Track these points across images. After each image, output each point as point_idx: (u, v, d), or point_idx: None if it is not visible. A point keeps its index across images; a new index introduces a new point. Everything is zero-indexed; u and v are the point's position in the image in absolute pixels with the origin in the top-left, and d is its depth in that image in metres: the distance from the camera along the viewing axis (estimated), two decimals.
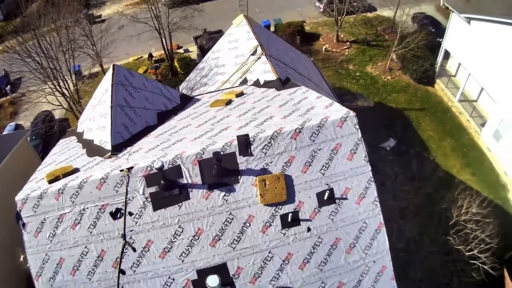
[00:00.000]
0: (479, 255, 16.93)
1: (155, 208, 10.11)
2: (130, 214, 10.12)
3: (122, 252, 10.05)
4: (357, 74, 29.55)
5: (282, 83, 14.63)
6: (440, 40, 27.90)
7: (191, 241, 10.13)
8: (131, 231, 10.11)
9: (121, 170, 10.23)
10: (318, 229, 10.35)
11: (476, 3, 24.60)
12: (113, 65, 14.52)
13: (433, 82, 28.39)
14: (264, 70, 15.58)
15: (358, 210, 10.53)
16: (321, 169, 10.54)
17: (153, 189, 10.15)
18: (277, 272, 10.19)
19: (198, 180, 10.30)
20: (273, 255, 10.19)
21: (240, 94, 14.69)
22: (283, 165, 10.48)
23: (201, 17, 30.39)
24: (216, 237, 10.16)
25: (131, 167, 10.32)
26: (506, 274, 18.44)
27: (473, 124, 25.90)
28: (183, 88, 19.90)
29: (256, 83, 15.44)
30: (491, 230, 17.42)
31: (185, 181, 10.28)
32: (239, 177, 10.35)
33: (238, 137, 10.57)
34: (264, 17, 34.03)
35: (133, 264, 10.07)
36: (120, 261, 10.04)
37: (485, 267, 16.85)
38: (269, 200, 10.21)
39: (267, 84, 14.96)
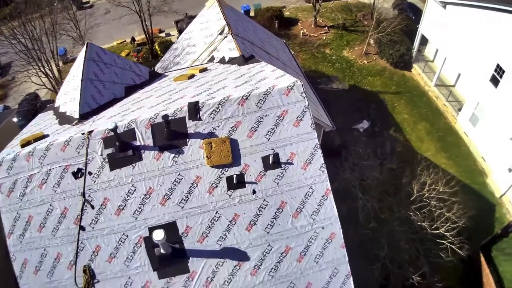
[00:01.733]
0: (445, 233, 17.05)
1: (111, 168, 10.77)
2: (90, 173, 10.78)
3: (82, 209, 10.68)
4: (333, 58, 29.78)
5: (245, 60, 15.05)
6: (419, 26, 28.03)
7: (143, 199, 10.67)
8: (90, 189, 10.74)
9: (83, 133, 10.92)
10: (264, 192, 10.76)
11: None
12: (87, 43, 15.01)
13: (410, 67, 28.63)
14: (230, 48, 16.01)
15: (304, 176, 10.91)
16: (267, 134, 10.97)
17: (110, 151, 10.84)
18: (224, 233, 10.65)
19: (150, 142, 10.93)
20: (220, 216, 10.66)
21: (204, 70, 15.11)
22: (230, 129, 10.96)
23: (180, 2, 30.51)
24: (165, 196, 10.69)
25: (91, 131, 10.98)
26: (482, 259, 18.54)
27: (450, 108, 26.08)
28: (159, 67, 20.30)
29: (222, 60, 15.89)
30: (458, 210, 17.51)
31: (138, 143, 10.92)
32: (187, 140, 10.90)
33: (189, 103, 11.12)
34: (245, 2, 34.19)
35: (92, 221, 10.68)
36: (81, 218, 10.67)
37: (453, 247, 16.92)
38: (215, 162, 10.67)
39: (231, 61, 15.40)
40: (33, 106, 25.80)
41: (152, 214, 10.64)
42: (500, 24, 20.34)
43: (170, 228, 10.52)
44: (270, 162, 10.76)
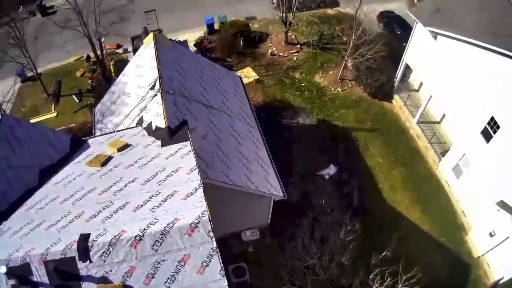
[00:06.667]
0: None
1: None
2: None
3: None
4: (303, 84, 26.36)
5: (171, 134, 13.47)
6: (406, 45, 24.24)
7: None
8: None
9: None
10: None
11: (447, 15, 20.38)
12: (2, 115, 13.77)
13: (391, 98, 25.29)
14: (157, 113, 14.23)
15: None
16: (166, 282, 9.44)
17: (13, 282, 9.70)
18: None
19: (46, 280, 9.73)
20: None
21: (124, 147, 13.63)
22: (124, 275, 9.56)
23: (133, 14, 27.50)
24: None
25: None
26: None
27: (431, 151, 22.72)
28: (98, 110, 18.51)
29: (148, 128, 14.28)
30: None
31: (35, 279, 9.75)
32: (81, 282, 9.63)
33: (78, 240, 9.76)
34: (212, 9, 30.80)
35: None
36: None
37: None
38: None
39: (157, 132, 13.87)
40: None
41: None
42: (501, 71, 17.02)
43: None
44: None
